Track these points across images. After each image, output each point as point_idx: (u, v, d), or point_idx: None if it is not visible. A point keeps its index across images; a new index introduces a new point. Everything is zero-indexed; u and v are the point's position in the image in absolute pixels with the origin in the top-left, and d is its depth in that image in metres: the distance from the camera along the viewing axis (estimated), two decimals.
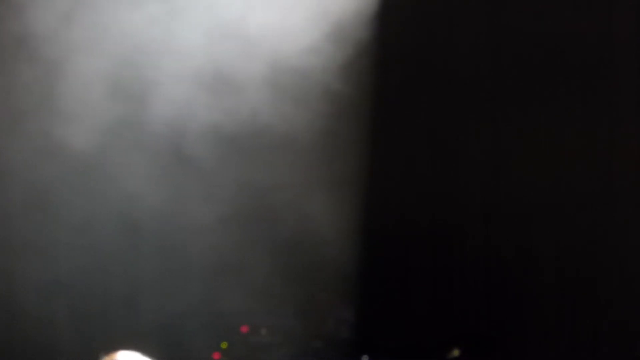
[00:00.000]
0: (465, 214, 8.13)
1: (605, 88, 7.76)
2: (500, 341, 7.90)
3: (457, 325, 8.00)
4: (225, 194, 7.93)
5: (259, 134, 7.93)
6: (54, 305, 7.73)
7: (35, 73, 7.82)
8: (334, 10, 7.93)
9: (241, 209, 7.90)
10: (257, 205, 7.98)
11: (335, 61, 7.96)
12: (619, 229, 7.66)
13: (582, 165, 7.78)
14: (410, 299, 8.13)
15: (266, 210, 8.06)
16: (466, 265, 8.07)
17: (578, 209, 7.80)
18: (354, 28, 8.00)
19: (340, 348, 8.03)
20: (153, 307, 7.77)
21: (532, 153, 7.93)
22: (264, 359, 7.97)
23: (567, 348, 7.76)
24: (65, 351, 7.53)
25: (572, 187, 7.81)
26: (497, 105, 8.11)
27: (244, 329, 7.91)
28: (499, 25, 8.11)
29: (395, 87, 8.27)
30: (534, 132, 7.94)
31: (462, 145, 8.18)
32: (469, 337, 7.93)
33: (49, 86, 7.81)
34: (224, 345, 7.80)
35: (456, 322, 8.02)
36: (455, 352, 7.84)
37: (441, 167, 8.22)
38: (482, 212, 8.11)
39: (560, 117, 7.87)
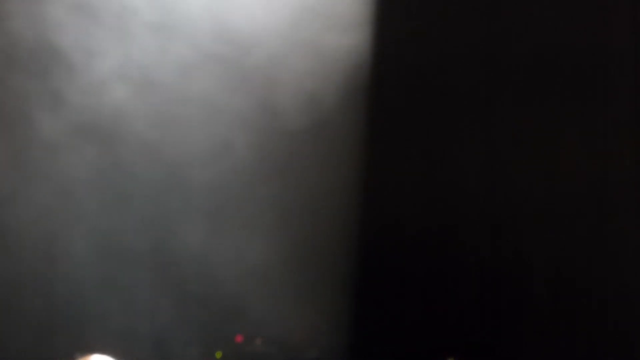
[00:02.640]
0: (461, 221, 8.14)
1: (602, 94, 7.75)
2: (496, 348, 7.89)
3: (453, 332, 7.99)
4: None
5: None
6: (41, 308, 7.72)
7: None
8: (330, 13, 8.01)
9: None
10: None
11: (332, 66, 8.04)
12: (616, 235, 7.64)
13: (578, 172, 7.77)
14: (406, 306, 8.13)
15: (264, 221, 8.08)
16: (462, 272, 8.07)
17: (575, 216, 7.78)
18: (352, 31, 8.07)
19: (336, 357, 8.02)
20: (147, 314, 7.77)
21: (529, 160, 7.94)
22: None
23: (564, 356, 7.73)
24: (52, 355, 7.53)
25: (568, 193, 7.80)
26: (493, 112, 8.13)
27: (239, 338, 7.89)
28: (495, 32, 8.14)
29: (391, 93, 8.29)
30: (531, 138, 7.95)
31: (458, 151, 8.19)
32: (465, 345, 7.92)
33: None
34: (218, 354, 7.79)
35: (452, 329, 8.01)
36: None
37: (437, 174, 8.22)
38: (478, 218, 8.11)
39: (556, 123, 7.87)
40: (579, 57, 7.84)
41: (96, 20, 7.81)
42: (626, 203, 7.65)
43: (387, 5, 8.24)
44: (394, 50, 8.25)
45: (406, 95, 8.27)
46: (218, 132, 7.97)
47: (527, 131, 7.97)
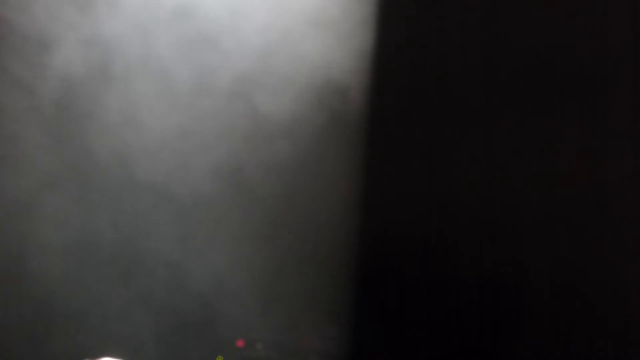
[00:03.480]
0: (461, 228, 8.12)
1: (601, 101, 7.74)
2: (496, 355, 7.88)
3: (453, 338, 7.98)
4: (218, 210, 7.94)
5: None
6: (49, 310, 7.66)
7: None
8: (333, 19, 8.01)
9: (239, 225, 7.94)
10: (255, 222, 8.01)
11: (330, 74, 8.04)
12: (614, 241, 7.62)
13: (577, 178, 7.75)
14: (406, 312, 8.12)
15: (262, 227, 8.05)
16: (461, 279, 8.04)
17: (573, 222, 7.77)
18: (352, 38, 8.07)
19: None
20: (149, 319, 7.74)
21: (527, 166, 7.91)
22: None
23: None
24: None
25: (567, 200, 7.78)
26: (491, 119, 8.11)
27: (240, 343, 7.86)
28: (493, 39, 8.13)
29: (390, 102, 8.30)
30: (529, 145, 7.93)
31: (457, 159, 8.17)
32: (465, 350, 7.90)
33: None
34: (219, 359, 7.75)
35: (452, 335, 8.00)
36: None
37: (436, 181, 8.22)
38: (477, 225, 8.08)
39: (554, 129, 7.86)
40: (578, 63, 7.82)
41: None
42: (625, 208, 7.63)
43: (386, 11, 8.23)
44: (394, 56, 8.26)
45: (406, 102, 8.28)
46: (211, 133, 7.95)
47: (526, 138, 7.95)
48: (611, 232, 7.64)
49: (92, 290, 7.75)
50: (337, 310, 8.05)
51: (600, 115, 7.76)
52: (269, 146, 8.00)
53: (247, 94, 7.97)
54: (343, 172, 8.15)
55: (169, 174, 7.88)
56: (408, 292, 8.14)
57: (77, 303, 7.71)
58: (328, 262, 8.06)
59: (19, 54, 7.70)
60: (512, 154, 8.01)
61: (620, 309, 7.57)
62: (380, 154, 8.27)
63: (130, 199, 7.85)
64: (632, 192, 7.61)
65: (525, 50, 7.98)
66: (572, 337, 7.69)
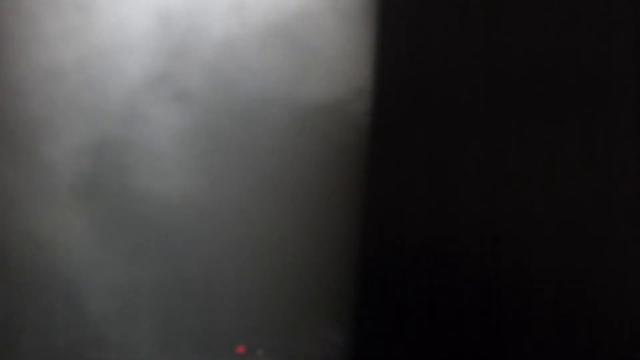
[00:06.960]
0: (463, 231, 8.07)
1: (604, 104, 7.70)
2: (499, 359, 7.88)
3: (456, 343, 7.95)
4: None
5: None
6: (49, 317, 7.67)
7: None
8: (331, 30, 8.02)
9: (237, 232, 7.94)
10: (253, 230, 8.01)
11: (332, 77, 8.03)
12: (618, 246, 7.60)
13: (579, 183, 7.72)
14: (408, 317, 8.10)
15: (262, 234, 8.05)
16: (464, 283, 8.00)
17: (576, 228, 7.74)
18: (353, 43, 8.09)
19: None
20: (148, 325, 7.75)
21: (530, 172, 7.86)
22: None
23: None
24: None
25: (570, 205, 7.76)
26: (494, 125, 8.07)
27: (240, 349, 7.88)
28: (495, 43, 8.11)
29: (391, 106, 8.27)
30: (531, 151, 7.86)
31: (459, 164, 8.11)
32: (468, 355, 7.90)
33: None
34: None
35: (455, 339, 7.96)
36: None
37: (438, 185, 8.17)
38: (480, 228, 8.04)
39: (556, 133, 7.84)
40: (581, 68, 7.76)
41: None
42: (628, 212, 7.62)
43: (387, 16, 8.23)
44: (396, 61, 8.24)
45: (407, 106, 8.25)
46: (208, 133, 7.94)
47: (529, 144, 7.90)
48: (614, 234, 7.62)
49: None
50: (339, 315, 8.06)
51: (603, 119, 7.73)
52: (270, 149, 8.03)
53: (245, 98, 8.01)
54: (344, 175, 8.15)
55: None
56: (410, 297, 8.12)
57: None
58: (330, 266, 8.06)
59: None
60: (515, 157, 7.95)
61: (622, 310, 7.56)
62: (382, 157, 8.25)
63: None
64: (635, 195, 7.61)
65: (527, 54, 7.93)
66: (575, 341, 7.67)
